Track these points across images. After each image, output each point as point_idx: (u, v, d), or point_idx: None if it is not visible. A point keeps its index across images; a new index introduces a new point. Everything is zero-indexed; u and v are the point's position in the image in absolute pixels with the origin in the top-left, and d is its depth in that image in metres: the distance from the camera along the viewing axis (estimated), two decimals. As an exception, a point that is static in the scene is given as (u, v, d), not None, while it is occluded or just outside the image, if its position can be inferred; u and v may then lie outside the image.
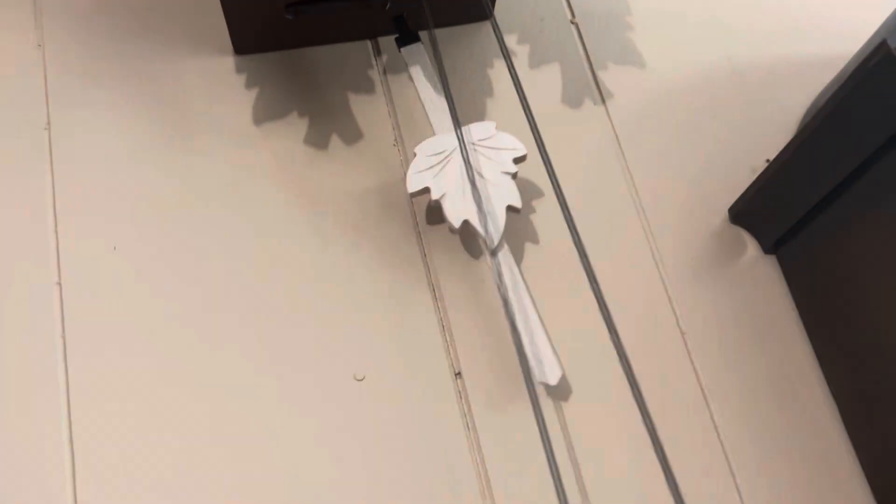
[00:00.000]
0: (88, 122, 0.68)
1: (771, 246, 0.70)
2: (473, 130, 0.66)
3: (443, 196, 0.64)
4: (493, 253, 0.64)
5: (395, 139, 0.71)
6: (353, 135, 0.71)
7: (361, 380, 0.63)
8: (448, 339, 0.65)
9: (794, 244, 0.68)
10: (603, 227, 0.69)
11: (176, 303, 0.63)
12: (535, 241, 0.69)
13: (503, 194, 0.65)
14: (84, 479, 0.57)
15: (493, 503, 0.60)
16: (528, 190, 0.70)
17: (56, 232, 0.64)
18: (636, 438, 0.62)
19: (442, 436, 0.62)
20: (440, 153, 0.66)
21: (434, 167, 0.65)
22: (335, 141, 0.70)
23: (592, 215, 0.69)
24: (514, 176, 0.65)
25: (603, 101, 0.75)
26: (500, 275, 0.63)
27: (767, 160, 0.73)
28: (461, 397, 0.63)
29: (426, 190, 0.64)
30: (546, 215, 0.69)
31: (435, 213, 0.69)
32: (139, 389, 0.60)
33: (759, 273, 0.69)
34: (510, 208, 0.65)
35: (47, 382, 0.60)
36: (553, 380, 0.61)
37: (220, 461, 0.59)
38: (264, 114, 0.70)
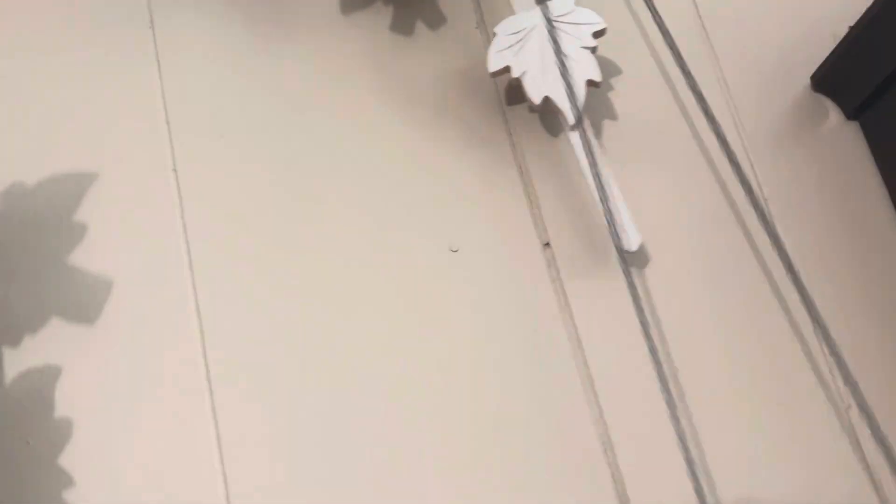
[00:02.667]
0: (189, 19, 0.72)
1: (853, 112, 0.70)
2: (553, 6, 0.67)
3: (523, 74, 0.66)
4: (574, 127, 0.66)
5: (477, 21, 0.73)
6: (436, 19, 0.73)
7: (456, 251, 0.67)
8: (536, 211, 0.68)
9: (877, 109, 0.69)
10: (684, 97, 0.70)
11: (281, 185, 0.68)
12: (615, 115, 0.71)
13: (583, 69, 0.66)
14: (210, 332, 0.64)
15: (585, 364, 0.64)
16: (606, 66, 0.71)
17: (168, 122, 0.69)
18: (720, 304, 0.66)
19: (533, 302, 0.66)
20: (519, 31, 0.67)
21: (514, 46, 0.67)
22: (420, 27, 0.73)
23: (672, 87, 0.70)
24: (594, 50, 0.66)
25: (682, -29, 0.75)
26: (581, 148, 0.66)
27: (850, 26, 0.72)
28: (550, 265, 0.67)
29: (507, 69, 0.66)
30: (625, 90, 0.71)
31: (515, 93, 0.71)
32: (256, 260, 0.66)
33: (842, 139, 0.70)
34: (590, 83, 0.66)
35: (173, 261, 0.66)
36: (634, 246, 0.64)
37: (325, 319, 0.64)
38: (351, 2, 0.73)
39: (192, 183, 0.68)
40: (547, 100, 0.66)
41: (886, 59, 0.65)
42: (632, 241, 0.64)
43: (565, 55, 0.66)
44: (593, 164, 0.64)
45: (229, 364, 0.63)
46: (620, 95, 0.71)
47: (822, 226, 0.68)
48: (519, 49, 0.66)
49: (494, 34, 0.67)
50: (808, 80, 0.71)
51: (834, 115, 0.70)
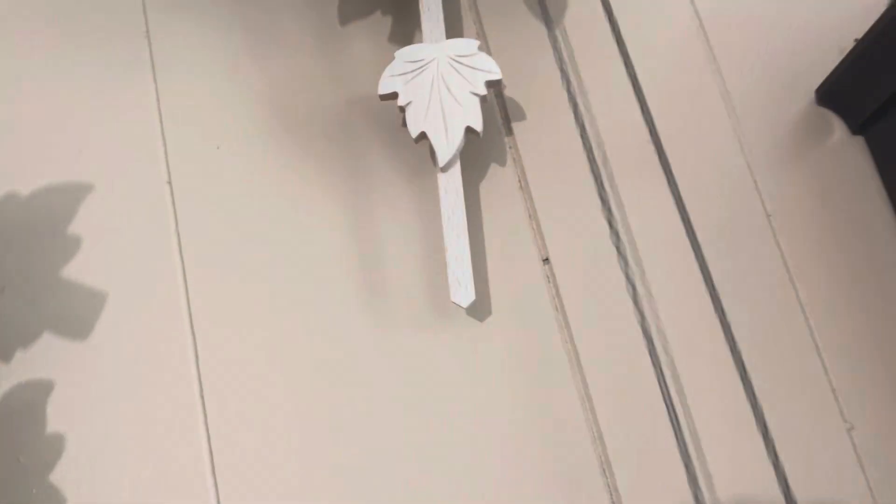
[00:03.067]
0: (185, 28, 0.71)
1: (858, 126, 0.69)
2: (455, 45, 0.66)
3: (408, 104, 0.65)
4: (443, 170, 0.64)
5: (477, 33, 0.72)
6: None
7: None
8: (535, 226, 0.67)
9: (883, 124, 0.67)
10: (684, 110, 0.69)
11: (276, 198, 0.67)
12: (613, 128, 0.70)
13: (466, 114, 0.64)
14: (204, 347, 0.63)
15: (584, 382, 0.63)
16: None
17: (163, 134, 0.68)
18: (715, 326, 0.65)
19: (532, 318, 0.65)
20: (418, 61, 0.66)
21: (407, 74, 0.65)
22: (418, 39, 0.72)
23: (674, 99, 0.69)
24: (484, 99, 0.65)
25: (685, -16, 0.74)
26: (445, 193, 0.64)
27: (856, 39, 0.71)
28: (549, 281, 0.66)
29: (395, 95, 0.65)
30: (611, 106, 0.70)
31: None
32: (250, 273, 0.65)
33: (847, 154, 0.69)
34: (469, 129, 0.65)
35: (167, 275, 0.65)
36: (464, 303, 0.62)
37: (319, 335, 0.64)
38: (351, 13, 0.72)
39: (187, 196, 0.67)
40: (423, 135, 0.64)
41: (893, 74, 0.64)
42: (463, 298, 0.62)
43: (452, 97, 0.65)
44: (454, 211, 0.64)
45: (222, 379, 0.63)
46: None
47: (826, 241, 0.67)
48: (411, 78, 0.65)
49: (393, 58, 0.66)
50: (812, 94, 0.70)
51: (839, 129, 0.69)
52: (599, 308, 0.65)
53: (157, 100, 0.69)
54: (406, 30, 0.72)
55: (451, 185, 0.64)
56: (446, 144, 0.64)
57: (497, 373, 0.63)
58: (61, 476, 0.60)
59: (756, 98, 0.70)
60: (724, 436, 0.62)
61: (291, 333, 0.64)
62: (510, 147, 0.69)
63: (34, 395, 0.62)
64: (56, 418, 0.61)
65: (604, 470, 0.61)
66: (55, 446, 0.60)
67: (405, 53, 0.66)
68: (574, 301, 0.65)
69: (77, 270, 0.65)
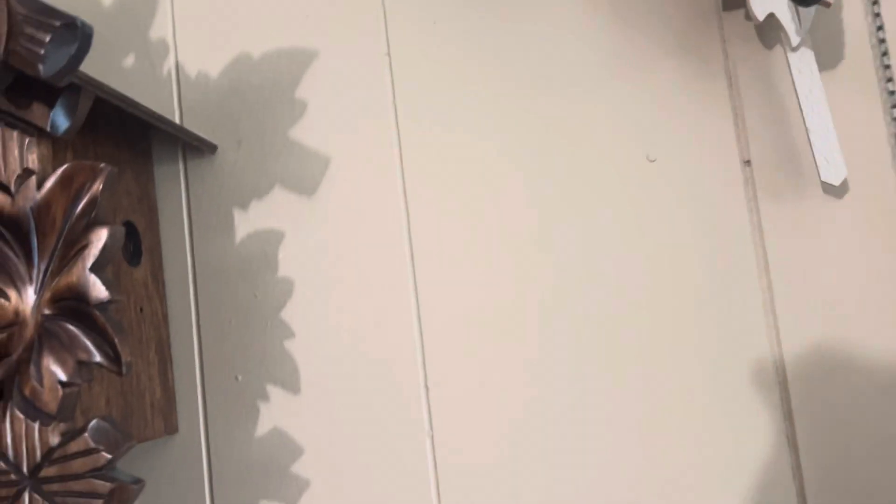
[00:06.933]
0: None
1: None
2: None
3: None
4: (795, 49, 0.63)
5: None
6: None
7: (654, 161, 0.67)
8: (740, 126, 0.67)
9: None
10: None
11: (488, 74, 0.70)
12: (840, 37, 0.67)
13: None
14: (415, 209, 0.70)
15: (770, 288, 0.65)
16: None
17: (384, 6, 0.71)
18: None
19: (727, 220, 0.66)
20: None
21: None
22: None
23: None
24: None
25: None
26: (799, 72, 0.63)
27: None
28: (748, 184, 0.66)
29: None
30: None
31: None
32: (462, 144, 0.69)
33: None
34: (821, 2, 0.62)
35: (384, 142, 0.70)
36: (836, 180, 0.63)
37: (522, 208, 0.68)
38: None
39: (405, 67, 0.70)
40: (771, 16, 0.63)
41: None
42: (835, 175, 0.63)
43: None
44: (808, 90, 0.62)
45: (431, 241, 0.69)
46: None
47: None
48: None
49: None
50: None
51: None
52: (796, 218, 0.65)
53: (379, -31, 0.71)
54: None
55: (804, 63, 0.64)
56: (799, 23, 0.63)
57: (685, 277, 0.66)
58: (291, 314, 0.69)
59: None
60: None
61: (501, 205, 0.69)
62: (724, 41, 0.68)
63: (268, 242, 0.70)
64: (286, 264, 0.70)
65: (777, 376, 0.65)
66: (285, 288, 0.70)
67: None
68: (770, 208, 0.65)
69: (303, 131, 0.71)
